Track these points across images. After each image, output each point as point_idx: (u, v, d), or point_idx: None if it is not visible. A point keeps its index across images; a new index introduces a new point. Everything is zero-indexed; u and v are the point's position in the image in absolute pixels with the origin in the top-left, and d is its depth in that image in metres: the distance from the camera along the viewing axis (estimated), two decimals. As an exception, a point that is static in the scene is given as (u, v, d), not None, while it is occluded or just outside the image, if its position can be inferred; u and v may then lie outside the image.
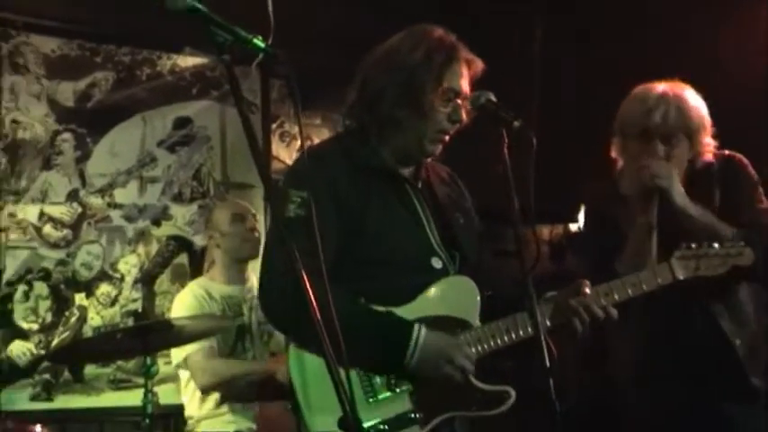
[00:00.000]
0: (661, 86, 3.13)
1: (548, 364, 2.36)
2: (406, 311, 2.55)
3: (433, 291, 2.60)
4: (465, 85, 2.64)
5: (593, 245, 3.26)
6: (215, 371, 4.00)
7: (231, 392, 4.02)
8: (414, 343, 2.46)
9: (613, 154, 3.25)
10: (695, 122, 3.09)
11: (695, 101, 3.12)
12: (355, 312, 2.44)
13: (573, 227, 6.40)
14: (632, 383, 3.24)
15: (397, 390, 2.51)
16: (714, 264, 2.88)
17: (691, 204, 3.02)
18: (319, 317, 1.89)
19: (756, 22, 4.79)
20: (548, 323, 2.62)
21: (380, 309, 2.52)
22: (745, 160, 3.21)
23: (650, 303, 2.87)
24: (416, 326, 2.48)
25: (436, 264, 2.64)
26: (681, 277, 2.83)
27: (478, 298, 2.63)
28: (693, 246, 2.88)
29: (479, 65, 2.68)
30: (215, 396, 4.05)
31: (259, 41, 2.08)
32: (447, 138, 2.68)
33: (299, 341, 2.48)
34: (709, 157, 3.15)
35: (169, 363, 4.29)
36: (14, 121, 4.86)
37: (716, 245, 2.89)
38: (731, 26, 4.79)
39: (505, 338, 2.59)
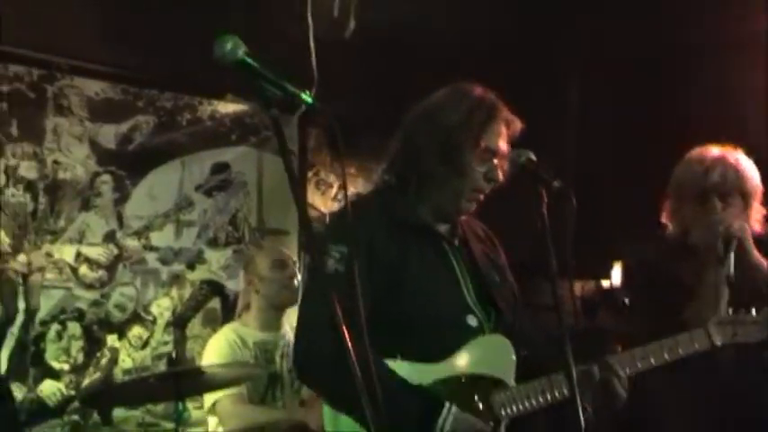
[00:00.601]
0: (716, 149, 3.23)
1: (583, 425, 2.34)
2: (440, 369, 2.54)
3: (468, 349, 2.59)
4: (503, 144, 2.66)
5: (649, 301, 3.24)
6: (243, 417, 3.98)
7: None
8: (442, 422, 2.44)
9: (664, 218, 3.31)
10: (750, 184, 3.19)
11: (750, 164, 3.22)
12: (385, 382, 2.39)
13: (605, 283, 6.36)
14: None
15: None
16: (751, 330, 2.88)
17: (762, 260, 3.06)
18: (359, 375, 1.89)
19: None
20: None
21: (411, 377, 2.49)
22: None
23: (711, 368, 2.85)
24: (446, 406, 2.46)
25: (472, 322, 2.64)
26: (718, 343, 2.82)
27: (514, 357, 2.62)
28: (731, 311, 2.88)
29: (518, 124, 2.70)
30: (242, 443, 4.03)
31: (307, 97, 2.10)
32: (482, 197, 2.70)
33: (332, 399, 2.47)
34: (758, 226, 3.19)
35: (198, 407, 4.28)
36: (56, 162, 4.92)
37: (753, 312, 2.89)
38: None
39: (540, 399, 2.58)
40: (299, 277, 4.30)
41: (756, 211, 3.21)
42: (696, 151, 3.28)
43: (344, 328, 1.92)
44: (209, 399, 4.04)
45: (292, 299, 4.18)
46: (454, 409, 2.46)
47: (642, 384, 2.79)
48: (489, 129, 2.65)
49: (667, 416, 3.34)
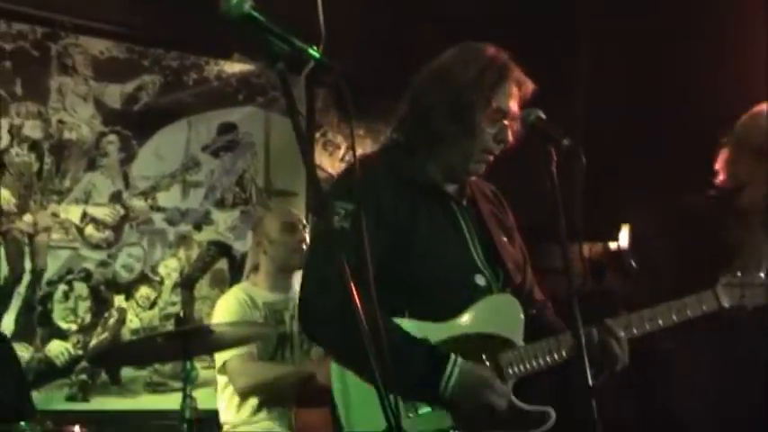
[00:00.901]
0: None
1: (590, 383, 2.33)
2: (449, 328, 2.53)
3: (476, 308, 2.57)
4: (514, 105, 2.63)
5: (679, 258, 3.20)
6: (253, 374, 3.98)
7: (269, 396, 4.00)
8: (448, 375, 2.43)
9: (719, 165, 3.26)
10: None
11: None
12: (391, 336, 2.37)
13: (612, 245, 6.34)
14: (705, 408, 3.18)
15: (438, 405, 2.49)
16: (759, 293, 2.86)
17: None
18: (366, 332, 1.87)
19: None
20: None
21: (418, 335, 2.49)
22: None
23: (728, 330, 2.83)
24: (452, 358, 2.45)
25: (480, 281, 2.62)
26: (726, 305, 2.80)
27: (522, 316, 2.61)
28: (739, 274, 2.86)
29: (530, 86, 2.67)
30: (252, 403, 4.03)
31: (315, 51, 2.07)
32: (492, 158, 2.67)
33: (340, 355, 2.46)
34: None
35: (206, 367, 4.29)
36: (61, 122, 4.90)
37: (762, 274, 2.87)
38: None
39: (548, 359, 2.56)
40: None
41: None
42: (764, 105, 3.23)
43: (350, 284, 1.90)
44: (219, 358, 4.04)
45: (301, 262, 4.15)
46: (460, 360, 2.45)
47: (655, 346, 2.77)
48: (501, 89, 2.61)
49: (680, 379, 3.33)
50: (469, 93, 2.59)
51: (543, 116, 2.56)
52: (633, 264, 4.00)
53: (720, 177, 3.27)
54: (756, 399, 3.07)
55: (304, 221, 4.40)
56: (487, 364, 2.53)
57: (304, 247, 4.20)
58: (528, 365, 2.56)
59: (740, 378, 3.11)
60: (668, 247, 3.34)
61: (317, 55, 2.07)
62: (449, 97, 2.60)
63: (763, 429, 3.06)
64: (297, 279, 4.23)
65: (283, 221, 4.26)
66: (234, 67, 5.36)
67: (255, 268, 4.33)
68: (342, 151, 5.63)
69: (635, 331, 2.65)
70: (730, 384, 3.13)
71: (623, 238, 5.98)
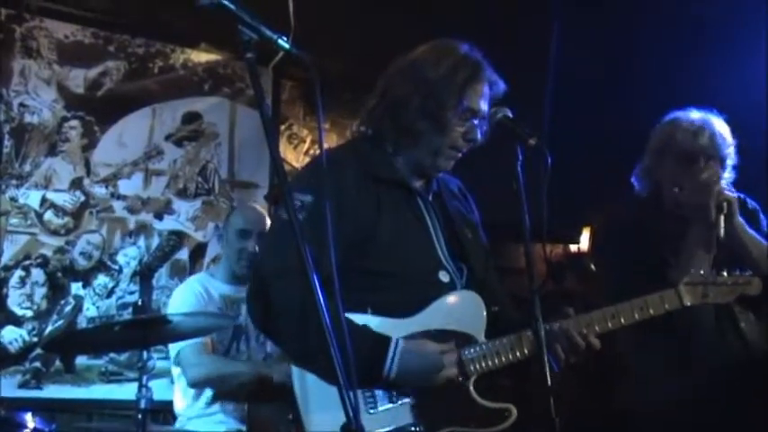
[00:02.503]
0: (698, 113, 3.30)
1: (549, 382, 2.35)
2: (410, 324, 2.53)
3: (439, 304, 2.57)
4: (484, 105, 2.64)
5: (629, 261, 3.25)
6: (206, 366, 3.96)
7: (221, 390, 3.98)
8: (391, 356, 2.43)
9: (642, 174, 3.36)
10: (728, 151, 3.26)
11: (728, 131, 3.29)
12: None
13: (573, 247, 6.40)
14: (661, 409, 3.23)
15: (399, 402, 2.48)
16: (722, 292, 2.92)
17: (744, 224, 3.14)
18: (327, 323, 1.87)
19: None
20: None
21: (381, 331, 2.48)
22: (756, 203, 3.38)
23: (682, 327, 2.87)
24: (393, 339, 2.44)
25: (444, 277, 2.62)
26: (688, 303, 2.84)
27: (485, 313, 2.61)
28: (702, 273, 2.91)
29: (501, 86, 2.69)
30: (206, 395, 4.01)
31: (284, 42, 2.05)
32: (459, 155, 2.68)
33: (293, 350, 2.44)
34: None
35: (163, 358, 4.26)
36: (22, 105, 4.84)
37: (724, 273, 2.94)
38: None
39: (510, 356, 2.57)
40: None
41: (726, 176, 3.27)
42: (679, 113, 3.31)
43: (302, 275, 1.89)
44: (173, 348, 4.01)
45: (243, 269, 4.12)
46: (402, 342, 2.44)
47: (613, 344, 2.80)
48: (472, 88, 2.62)
49: (638, 377, 3.38)
50: (441, 90, 2.60)
51: (511, 115, 2.57)
52: (592, 266, 4.05)
53: (639, 187, 3.36)
54: (711, 398, 3.12)
55: (265, 227, 4.25)
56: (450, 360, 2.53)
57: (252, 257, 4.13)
58: (490, 362, 2.56)
59: (695, 377, 3.16)
60: (611, 251, 3.39)
61: (287, 46, 2.06)
62: (420, 93, 2.60)
63: (717, 428, 3.10)
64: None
65: (242, 228, 4.20)
66: (200, 57, 5.32)
67: (217, 258, 4.30)
68: (307, 144, 5.62)
69: (597, 329, 2.66)
70: (685, 383, 3.18)
71: (584, 240, 6.05)
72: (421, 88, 2.60)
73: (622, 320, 2.71)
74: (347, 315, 2.41)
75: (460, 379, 2.53)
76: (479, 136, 2.64)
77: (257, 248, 4.10)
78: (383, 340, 2.45)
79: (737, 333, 3.20)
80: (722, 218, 3.08)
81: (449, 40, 2.70)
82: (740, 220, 3.15)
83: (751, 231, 3.17)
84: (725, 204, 3.09)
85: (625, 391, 3.45)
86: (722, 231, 3.08)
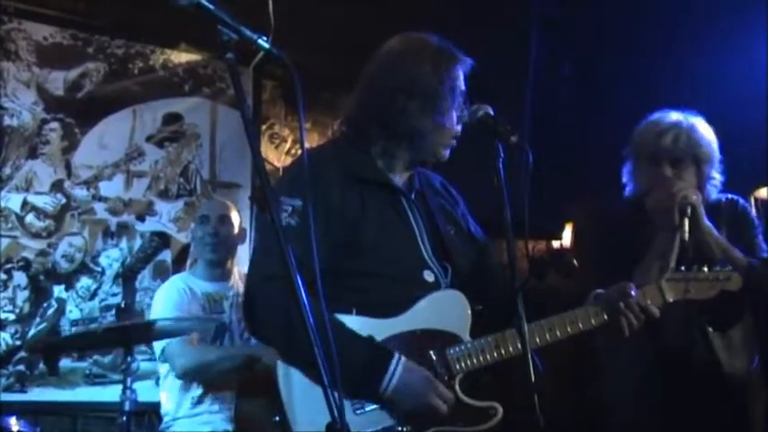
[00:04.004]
0: (675, 114, 3.27)
1: (533, 379, 2.36)
2: (395, 324, 2.53)
3: (423, 304, 2.57)
4: (463, 85, 2.69)
5: (600, 260, 3.28)
6: (193, 355, 3.95)
7: (210, 378, 3.97)
8: (391, 374, 2.43)
9: (624, 177, 3.35)
10: (704, 151, 3.22)
11: (707, 131, 3.26)
12: (335, 334, 2.31)
13: (555, 244, 6.41)
14: (630, 404, 3.26)
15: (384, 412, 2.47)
16: (703, 287, 2.93)
17: (713, 228, 3.14)
18: (312, 326, 1.87)
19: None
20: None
21: (365, 332, 2.48)
22: (747, 204, 3.36)
23: (652, 325, 2.89)
24: (396, 356, 2.45)
25: (428, 277, 2.62)
26: (670, 299, 2.84)
27: (469, 312, 2.61)
28: (683, 269, 2.93)
29: (470, 62, 2.71)
30: (193, 394, 4.00)
31: (264, 42, 2.05)
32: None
33: (284, 351, 2.44)
34: (714, 194, 3.27)
35: (147, 359, 4.25)
36: (2, 108, 4.81)
37: (705, 269, 2.94)
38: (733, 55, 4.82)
39: (495, 354, 2.57)
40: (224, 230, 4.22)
41: (710, 178, 3.24)
42: (655, 114, 3.31)
43: (295, 280, 1.90)
44: (158, 346, 4.00)
45: (214, 254, 4.14)
46: (403, 359, 2.45)
47: (590, 343, 2.82)
48: (455, 73, 2.66)
49: (611, 374, 3.41)
50: (433, 85, 2.62)
51: (492, 112, 2.58)
52: (575, 262, 4.07)
53: (628, 188, 3.36)
54: (676, 387, 3.16)
55: (228, 212, 4.27)
56: (435, 358, 2.54)
57: (216, 239, 4.15)
58: (475, 360, 2.56)
59: (662, 367, 3.21)
60: (591, 247, 3.42)
61: (266, 45, 2.06)
62: (416, 94, 2.61)
63: (681, 415, 3.15)
64: (236, 269, 4.22)
65: (201, 214, 4.26)
66: (180, 57, 5.30)
67: (195, 260, 4.31)
68: (288, 144, 5.61)
69: (580, 326, 2.68)
70: (653, 373, 3.22)
71: (566, 236, 6.06)
72: (413, 90, 2.61)
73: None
74: (336, 317, 2.44)
75: (446, 378, 2.53)
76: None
77: (220, 232, 4.14)
78: (385, 356, 2.45)
79: (706, 344, 3.21)
80: (686, 221, 3.08)
81: (414, 35, 2.73)
82: (707, 224, 3.14)
83: (718, 235, 3.15)
84: (688, 208, 3.09)
85: (597, 385, 3.49)
86: (686, 235, 3.08)
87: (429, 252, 2.66)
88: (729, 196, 3.32)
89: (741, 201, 3.34)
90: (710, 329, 3.21)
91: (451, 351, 2.55)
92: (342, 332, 2.42)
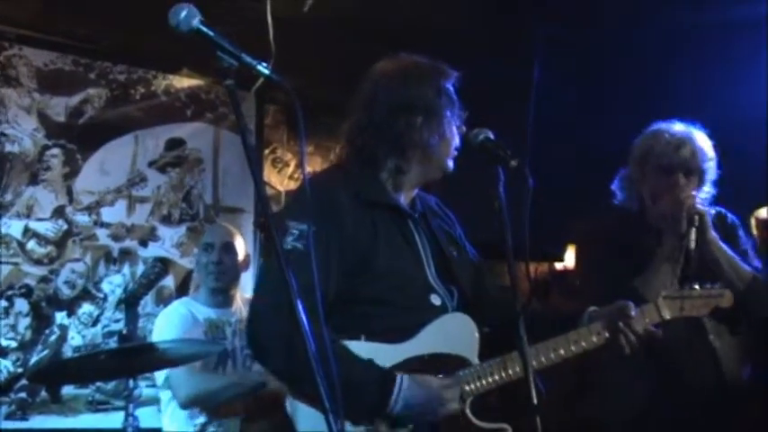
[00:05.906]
0: (682, 125, 3.34)
1: (535, 401, 2.35)
2: (404, 349, 2.52)
3: (432, 328, 2.57)
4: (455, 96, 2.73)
5: (605, 271, 3.29)
6: (197, 383, 3.92)
7: (215, 407, 3.94)
8: (395, 398, 2.41)
9: (624, 184, 3.40)
10: (710, 165, 3.30)
11: (710, 145, 3.33)
12: (339, 360, 2.21)
13: (558, 265, 6.40)
14: (631, 423, 3.26)
15: (399, 429, 2.46)
16: (697, 305, 2.96)
17: (719, 239, 3.19)
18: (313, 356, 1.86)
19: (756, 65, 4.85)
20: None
21: (374, 358, 2.47)
22: (735, 218, 3.43)
23: (655, 344, 2.88)
24: (398, 381, 2.43)
25: (435, 301, 2.62)
26: (667, 317, 2.86)
27: (477, 335, 2.62)
28: (678, 287, 3.00)
29: (456, 75, 2.74)
30: (196, 422, 3.97)
31: (264, 68, 2.06)
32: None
33: (288, 381, 2.43)
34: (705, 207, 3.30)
35: (150, 385, 4.23)
36: (3, 134, 4.82)
37: (697, 287, 2.98)
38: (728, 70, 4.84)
39: (503, 375, 2.58)
40: (229, 260, 4.20)
41: (705, 190, 3.31)
42: (662, 125, 3.36)
43: (302, 307, 1.89)
44: (160, 375, 3.98)
45: (217, 283, 4.12)
46: (406, 379, 2.43)
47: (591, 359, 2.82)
48: (449, 85, 2.69)
49: (611, 392, 3.41)
50: (437, 104, 2.64)
51: (492, 136, 2.59)
52: (577, 283, 4.06)
53: (620, 197, 3.40)
54: (677, 404, 3.18)
55: (232, 240, 4.24)
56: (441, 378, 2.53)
57: (219, 268, 4.13)
58: (484, 382, 2.56)
59: (662, 384, 3.23)
60: (591, 264, 3.41)
61: (266, 71, 2.06)
62: (417, 114, 2.63)
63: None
64: (238, 296, 4.21)
65: (204, 242, 4.23)
66: (182, 82, 5.32)
67: (198, 286, 4.30)
68: (291, 168, 5.62)
69: (583, 344, 2.68)
70: (653, 390, 3.24)
71: (569, 258, 6.05)
72: (415, 106, 2.62)
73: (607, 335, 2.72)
74: (357, 347, 2.44)
75: (459, 404, 2.52)
76: None
77: (224, 260, 4.13)
78: (389, 379, 2.44)
79: (709, 352, 3.24)
80: (693, 230, 3.13)
81: (402, 55, 2.76)
82: (714, 234, 3.19)
83: (724, 247, 3.20)
84: (696, 217, 3.13)
85: (591, 400, 3.49)
86: (692, 243, 3.12)
87: (434, 275, 2.66)
88: (717, 209, 3.36)
89: (729, 214, 3.40)
90: (716, 345, 3.24)
91: (461, 374, 2.54)
92: (348, 362, 2.40)
